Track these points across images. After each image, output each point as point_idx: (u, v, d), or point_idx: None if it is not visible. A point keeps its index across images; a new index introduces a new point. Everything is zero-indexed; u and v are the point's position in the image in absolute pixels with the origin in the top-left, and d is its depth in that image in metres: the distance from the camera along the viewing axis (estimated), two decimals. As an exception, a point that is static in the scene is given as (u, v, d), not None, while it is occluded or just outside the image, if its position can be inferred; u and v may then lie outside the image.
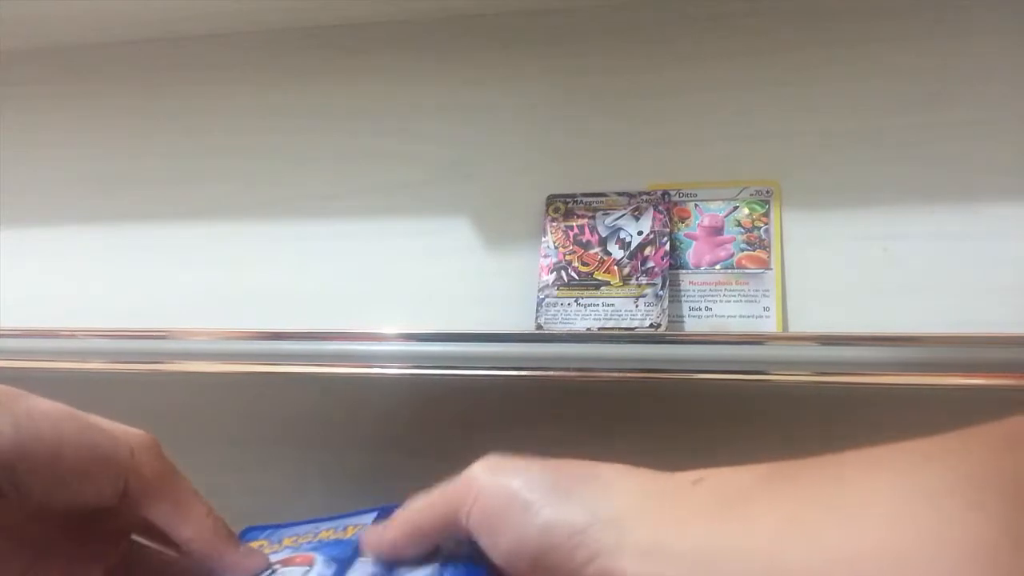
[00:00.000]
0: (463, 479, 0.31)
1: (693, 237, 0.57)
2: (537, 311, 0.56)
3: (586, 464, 0.31)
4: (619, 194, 0.58)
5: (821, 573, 0.21)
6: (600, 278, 0.56)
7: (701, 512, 0.26)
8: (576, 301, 0.56)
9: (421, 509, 0.33)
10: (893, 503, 0.21)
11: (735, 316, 0.54)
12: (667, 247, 0.56)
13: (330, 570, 0.33)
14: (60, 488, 0.30)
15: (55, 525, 0.33)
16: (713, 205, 0.57)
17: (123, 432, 0.33)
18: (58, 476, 0.30)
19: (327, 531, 0.38)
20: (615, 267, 0.56)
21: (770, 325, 0.53)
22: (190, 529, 0.34)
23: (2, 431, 0.28)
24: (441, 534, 0.33)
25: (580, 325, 0.55)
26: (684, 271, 0.56)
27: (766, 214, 0.56)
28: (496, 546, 0.30)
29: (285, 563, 0.35)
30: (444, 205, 0.61)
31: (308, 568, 0.34)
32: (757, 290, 0.54)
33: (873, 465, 0.24)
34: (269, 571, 0.35)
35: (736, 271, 0.55)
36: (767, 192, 0.56)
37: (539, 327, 0.55)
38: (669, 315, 0.54)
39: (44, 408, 0.30)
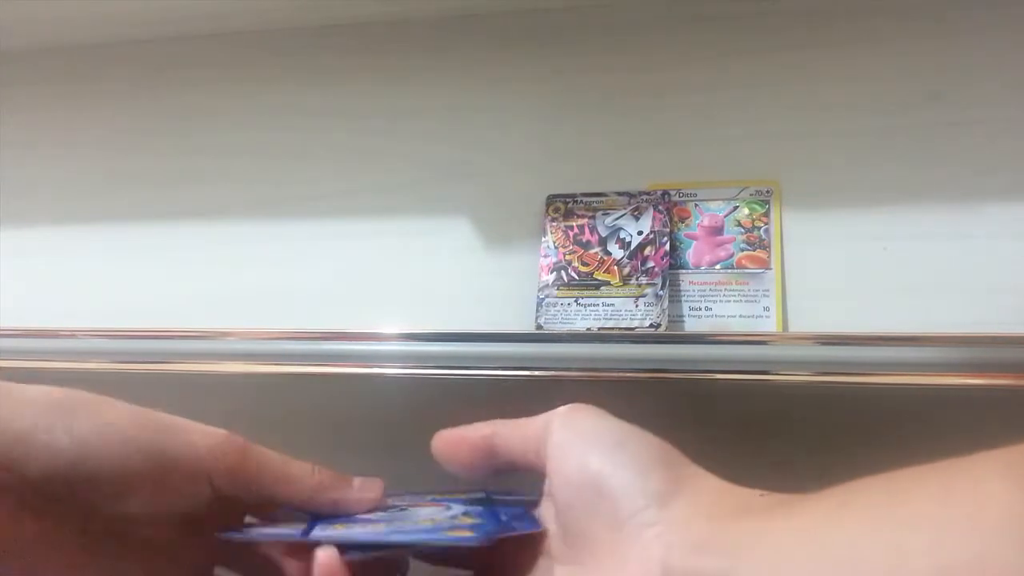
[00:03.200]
0: (549, 416, 0.34)
1: (693, 237, 0.57)
2: (537, 311, 0.56)
3: (663, 444, 0.32)
4: (619, 194, 0.58)
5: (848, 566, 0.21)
6: (600, 278, 0.56)
7: (760, 516, 0.27)
8: (576, 301, 0.56)
9: (498, 437, 0.36)
10: (946, 528, 0.21)
11: (735, 316, 0.54)
12: (667, 247, 0.56)
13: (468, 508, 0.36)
14: (131, 497, 0.30)
15: (142, 531, 0.32)
16: (713, 205, 0.57)
17: (201, 434, 0.33)
18: (126, 486, 0.30)
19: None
20: (615, 267, 0.56)
21: (770, 325, 0.53)
22: (299, 495, 0.35)
23: (59, 443, 0.28)
24: (513, 462, 0.35)
25: (580, 325, 0.55)
26: (684, 271, 0.56)
27: (766, 214, 0.56)
28: (561, 469, 0.31)
29: (411, 505, 0.37)
30: (444, 205, 0.61)
31: (446, 507, 0.36)
32: (757, 290, 0.54)
33: (938, 483, 0.24)
34: (397, 508, 0.36)
35: (736, 271, 0.55)
36: (767, 192, 0.56)
37: (539, 327, 0.55)
38: (669, 315, 0.54)
39: (113, 416, 0.30)
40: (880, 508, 0.23)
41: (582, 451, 0.31)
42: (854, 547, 0.22)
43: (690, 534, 0.27)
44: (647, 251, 0.56)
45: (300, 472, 0.35)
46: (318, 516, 0.35)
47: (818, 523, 0.24)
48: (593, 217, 0.58)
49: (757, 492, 0.29)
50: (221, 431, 0.33)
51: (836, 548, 0.23)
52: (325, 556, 0.30)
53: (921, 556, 0.21)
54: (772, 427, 0.52)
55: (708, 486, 0.30)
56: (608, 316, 0.55)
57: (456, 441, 0.37)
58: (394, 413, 0.59)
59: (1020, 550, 0.19)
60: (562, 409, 0.34)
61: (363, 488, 0.37)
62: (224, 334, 0.56)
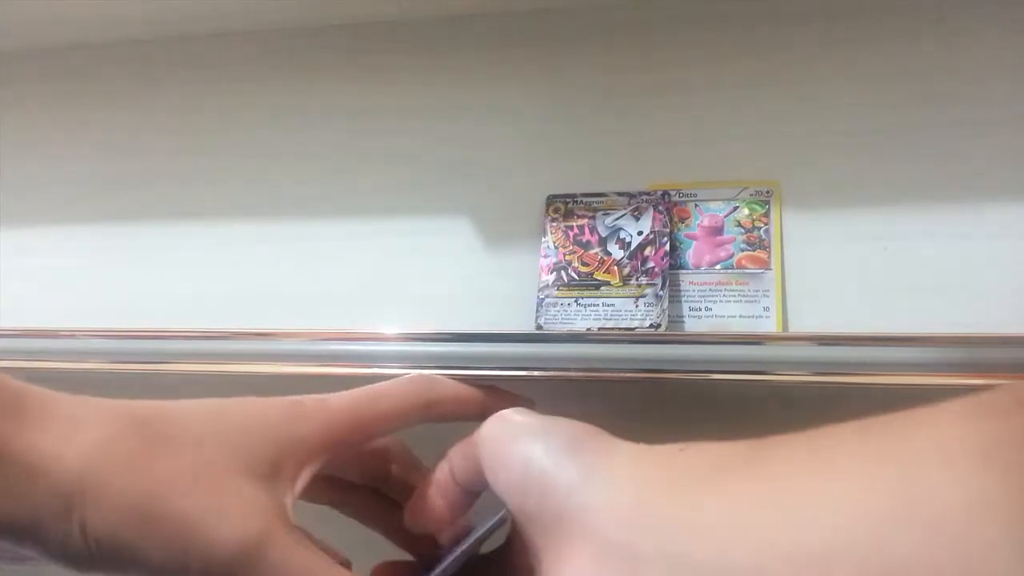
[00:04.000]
0: (476, 434, 0.34)
1: (693, 237, 0.57)
2: (537, 311, 0.56)
3: (586, 426, 0.32)
4: (619, 194, 0.58)
5: (800, 544, 0.21)
6: (600, 278, 0.56)
7: (683, 481, 0.26)
8: (576, 301, 0.56)
9: (453, 471, 0.35)
10: (871, 472, 0.21)
11: (735, 316, 0.54)
12: (667, 247, 0.56)
13: None
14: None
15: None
16: (713, 205, 0.57)
17: (224, 532, 0.28)
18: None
19: None
20: (615, 267, 0.56)
21: (770, 325, 0.53)
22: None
23: (74, 542, 0.25)
24: (477, 485, 0.35)
25: (580, 325, 0.55)
26: (684, 271, 0.56)
27: (766, 214, 0.56)
28: (496, 481, 0.31)
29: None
30: (444, 205, 0.61)
31: None
32: (757, 290, 0.54)
33: (860, 434, 0.24)
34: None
35: (736, 271, 0.55)
36: (767, 192, 0.56)
37: (539, 327, 0.55)
38: (669, 315, 0.54)
39: (125, 504, 0.26)
40: (802, 463, 0.24)
41: (508, 448, 0.31)
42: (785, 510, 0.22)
43: (620, 511, 0.27)
44: (647, 251, 0.56)
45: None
46: None
47: (745, 487, 0.24)
48: (593, 217, 0.58)
49: (676, 447, 0.29)
50: (247, 525, 0.27)
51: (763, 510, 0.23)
52: None
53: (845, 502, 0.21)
54: (772, 427, 0.52)
55: (627, 455, 0.30)
56: (608, 316, 0.55)
57: (427, 512, 0.36)
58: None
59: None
60: (490, 418, 0.35)
61: None
62: (224, 334, 0.56)
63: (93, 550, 0.25)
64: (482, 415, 0.36)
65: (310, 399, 0.35)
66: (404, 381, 0.38)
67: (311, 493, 0.33)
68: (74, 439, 0.26)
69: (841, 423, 0.25)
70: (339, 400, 0.36)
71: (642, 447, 0.30)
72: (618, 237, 0.57)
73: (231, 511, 0.27)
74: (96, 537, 0.25)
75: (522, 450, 0.30)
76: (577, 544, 0.27)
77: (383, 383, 0.38)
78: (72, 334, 0.58)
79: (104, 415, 0.28)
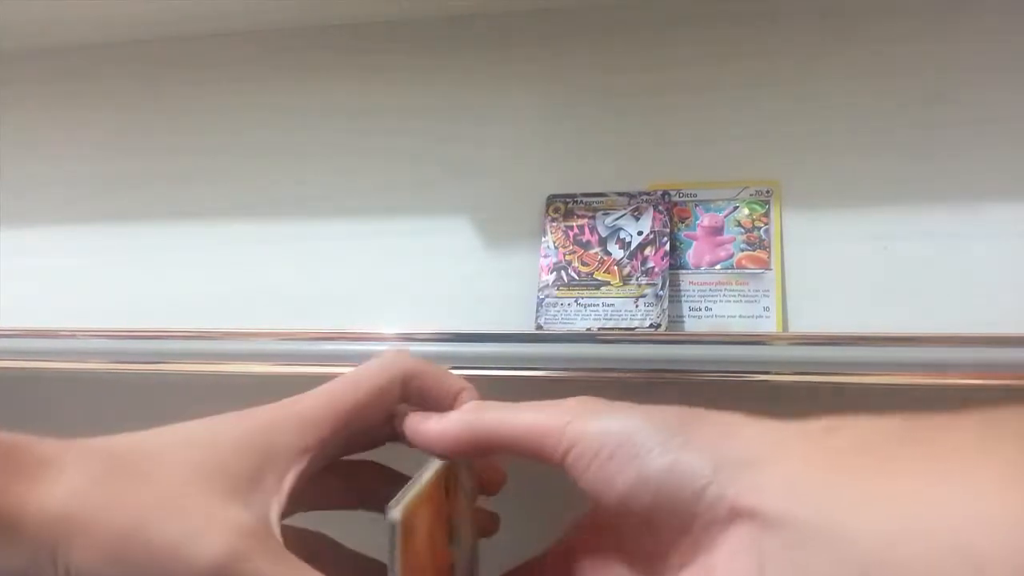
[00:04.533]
0: (555, 416, 0.31)
1: (693, 237, 0.57)
2: (537, 311, 0.56)
3: (690, 411, 0.30)
4: (619, 194, 0.58)
5: (962, 530, 0.21)
6: (600, 278, 0.56)
7: (840, 458, 0.25)
8: (576, 301, 0.56)
9: (503, 426, 0.33)
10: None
11: (735, 316, 0.54)
12: (667, 247, 0.56)
13: None
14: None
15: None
16: (713, 205, 0.57)
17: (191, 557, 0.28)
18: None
19: None
20: (615, 267, 0.56)
21: (770, 325, 0.53)
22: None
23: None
24: (518, 454, 0.32)
25: (580, 325, 0.55)
26: (684, 271, 0.56)
27: (766, 214, 0.56)
28: (609, 490, 0.29)
29: None
30: (444, 205, 0.61)
31: None
32: (757, 290, 0.54)
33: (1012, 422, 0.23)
34: None
35: (736, 271, 0.55)
36: (767, 192, 0.56)
37: (539, 327, 0.55)
38: (669, 315, 0.54)
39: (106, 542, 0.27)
40: (968, 455, 0.23)
41: (613, 455, 0.29)
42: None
43: (774, 488, 0.25)
44: (647, 251, 0.56)
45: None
46: None
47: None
48: (593, 217, 0.58)
49: (818, 424, 0.28)
50: (217, 544, 0.27)
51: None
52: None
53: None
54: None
55: (756, 435, 0.28)
56: (608, 316, 0.55)
57: (438, 431, 0.34)
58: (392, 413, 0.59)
59: None
60: (575, 407, 0.32)
61: None
62: (224, 334, 0.56)
63: None
64: (460, 388, 0.37)
65: (286, 402, 0.34)
66: (377, 361, 0.37)
67: (305, 500, 0.33)
68: (55, 487, 0.26)
69: (1007, 406, 0.24)
70: (315, 397, 0.35)
71: (764, 425, 0.29)
72: (618, 237, 0.57)
73: (204, 533, 0.27)
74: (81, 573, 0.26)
75: (630, 458, 0.28)
76: (729, 534, 0.26)
77: (358, 368, 0.37)
78: (72, 334, 0.59)
79: (81, 457, 0.28)
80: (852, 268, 0.53)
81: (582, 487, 0.30)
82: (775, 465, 0.26)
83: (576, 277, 0.57)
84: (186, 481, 0.28)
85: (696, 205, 0.57)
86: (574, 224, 0.58)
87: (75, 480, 0.27)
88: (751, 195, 0.56)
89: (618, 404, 0.31)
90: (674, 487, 0.27)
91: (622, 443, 0.28)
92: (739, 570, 0.25)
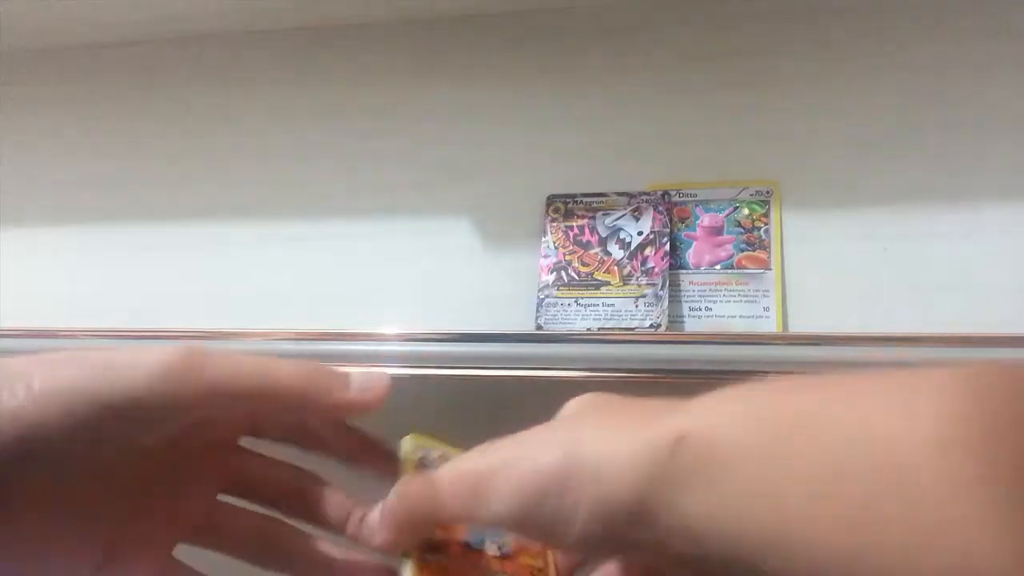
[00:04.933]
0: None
1: (693, 237, 0.57)
2: (537, 311, 0.56)
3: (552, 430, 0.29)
4: (619, 194, 0.58)
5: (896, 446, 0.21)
6: (600, 278, 0.56)
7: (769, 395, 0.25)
8: (576, 301, 0.56)
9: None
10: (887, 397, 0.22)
11: (735, 316, 0.54)
12: (667, 247, 0.56)
13: None
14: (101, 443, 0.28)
15: (152, 465, 0.30)
16: (713, 205, 0.57)
17: (147, 356, 0.28)
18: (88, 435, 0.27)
19: None
20: (615, 267, 0.56)
21: (770, 325, 0.53)
22: (288, 393, 0.30)
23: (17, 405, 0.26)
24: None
25: (580, 325, 0.55)
26: (684, 271, 0.56)
27: (766, 214, 0.56)
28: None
29: None
30: (444, 205, 0.61)
31: None
32: (757, 290, 0.54)
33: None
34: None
35: (736, 271, 0.55)
36: (767, 192, 0.56)
37: (539, 327, 0.56)
38: (669, 315, 0.54)
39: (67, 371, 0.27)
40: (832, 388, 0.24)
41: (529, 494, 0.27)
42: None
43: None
44: (647, 251, 0.56)
45: (283, 368, 0.30)
46: None
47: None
48: (593, 217, 0.58)
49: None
50: (166, 352, 0.28)
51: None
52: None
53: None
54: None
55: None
56: (608, 316, 0.55)
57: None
58: (394, 414, 0.59)
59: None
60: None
61: (366, 384, 0.32)
62: (224, 334, 0.56)
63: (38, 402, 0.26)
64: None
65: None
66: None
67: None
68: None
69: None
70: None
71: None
72: (618, 237, 0.57)
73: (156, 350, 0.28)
74: (40, 390, 0.26)
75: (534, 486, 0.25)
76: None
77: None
78: (72, 334, 0.59)
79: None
80: (852, 268, 0.53)
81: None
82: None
83: (576, 277, 0.57)
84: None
85: (696, 205, 0.57)
86: (574, 224, 0.58)
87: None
88: (751, 195, 0.56)
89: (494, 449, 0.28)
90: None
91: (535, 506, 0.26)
92: None
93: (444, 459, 0.33)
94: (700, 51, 0.59)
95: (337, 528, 0.32)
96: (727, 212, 0.57)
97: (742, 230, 0.56)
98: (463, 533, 0.32)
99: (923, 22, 0.56)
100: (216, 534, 0.32)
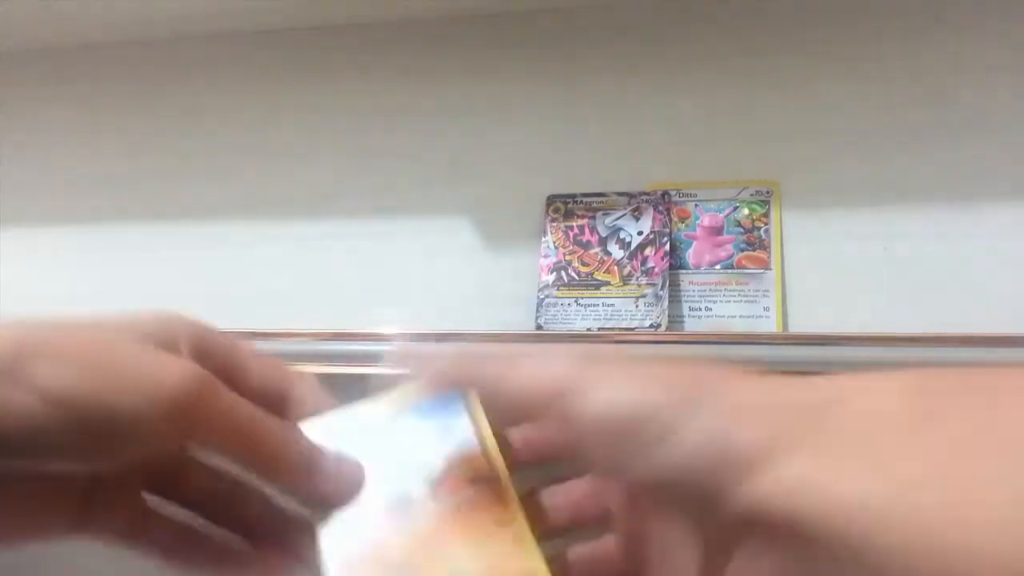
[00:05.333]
0: (555, 376, 0.26)
1: (693, 237, 0.57)
2: (537, 311, 0.56)
3: (708, 378, 0.26)
4: (619, 194, 0.58)
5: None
6: (600, 278, 0.56)
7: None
8: (576, 301, 0.56)
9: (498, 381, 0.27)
10: None
11: (735, 316, 0.54)
12: (667, 247, 0.56)
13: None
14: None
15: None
16: (713, 205, 0.57)
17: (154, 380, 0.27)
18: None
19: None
20: (615, 267, 0.56)
21: (770, 325, 0.53)
22: (280, 463, 0.28)
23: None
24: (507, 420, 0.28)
25: (580, 325, 0.55)
26: (684, 271, 0.56)
27: (766, 214, 0.56)
28: (619, 475, 0.25)
29: None
30: (444, 205, 0.61)
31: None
32: (757, 290, 0.54)
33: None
34: None
35: (736, 271, 0.55)
36: (767, 192, 0.56)
37: (539, 327, 0.55)
38: (669, 315, 0.54)
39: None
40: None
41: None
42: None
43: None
44: (647, 251, 0.56)
45: (283, 434, 0.29)
46: None
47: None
48: (593, 217, 0.58)
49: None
50: (183, 367, 0.26)
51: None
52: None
53: None
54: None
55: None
56: (608, 316, 0.55)
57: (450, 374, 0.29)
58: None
59: None
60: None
61: (342, 471, 0.30)
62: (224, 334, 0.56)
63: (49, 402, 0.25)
64: (292, 382, 0.32)
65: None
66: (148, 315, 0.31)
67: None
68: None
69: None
70: None
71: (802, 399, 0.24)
72: (618, 237, 0.57)
73: (169, 362, 0.27)
74: (48, 387, 0.25)
75: (645, 440, 0.24)
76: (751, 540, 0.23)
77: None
78: (72, 334, 0.58)
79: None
80: (852, 268, 0.53)
81: (588, 466, 0.27)
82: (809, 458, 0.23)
83: (576, 277, 0.57)
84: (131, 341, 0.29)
85: (696, 205, 0.57)
86: (574, 224, 0.58)
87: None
88: (751, 195, 0.56)
89: (629, 366, 0.26)
90: (693, 482, 0.23)
91: (636, 421, 0.24)
92: None
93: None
94: (700, 51, 0.59)
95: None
96: (727, 212, 0.57)
97: (742, 230, 0.56)
98: (380, 492, 0.29)
99: (923, 23, 0.56)
100: (185, 485, 0.31)
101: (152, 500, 0.31)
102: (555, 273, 0.57)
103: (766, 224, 0.56)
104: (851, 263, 0.53)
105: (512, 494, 0.28)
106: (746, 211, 0.56)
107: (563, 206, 0.59)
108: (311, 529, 0.29)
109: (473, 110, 0.63)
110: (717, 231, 0.56)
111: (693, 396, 0.25)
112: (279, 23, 0.67)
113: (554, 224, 0.59)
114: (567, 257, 0.57)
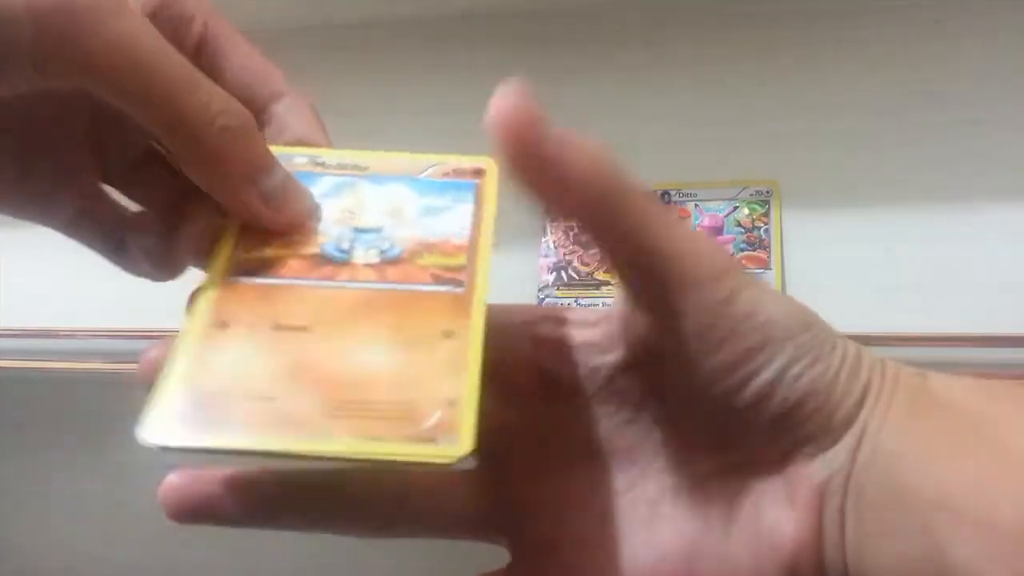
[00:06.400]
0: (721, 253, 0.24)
1: (693, 237, 0.57)
2: (537, 311, 0.56)
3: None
4: (619, 194, 0.58)
5: None
6: (600, 278, 0.56)
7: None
8: (576, 301, 0.56)
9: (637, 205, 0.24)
10: None
11: (735, 316, 0.54)
12: (667, 247, 0.56)
13: None
14: None
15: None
16: (713, 205, 0.57)
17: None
18: None
19: None
20: (615, 267, 0.56)
21: (770, 325, 0.53)
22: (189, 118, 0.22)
23: None
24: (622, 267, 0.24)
25: (580, 325, 0.55)
26: (684, 271, 0.56)
27: (766, 214, 0.56)
28: (739, 378, 0.22)
29: None
30: (444, 205, 0.61)
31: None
32: (757, 290, 0.54)
33: None
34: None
35: (736, 271, 0.55)
36: (767, 192, 0.56)
37: (539, 327, 0.55)
38: (669, 315, 0.54)
39: None
40: None
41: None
42: None
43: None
44: (647, 251, 0.56)
45: (210, 95, 0.22)
46: None
47: None
48: (593, 217, 0.58)
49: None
50: None
51: None
52: None
53: None
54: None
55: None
56: (608, 316, 0.55)
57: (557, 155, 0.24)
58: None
59: None
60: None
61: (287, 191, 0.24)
62: (224, 334, 0.56)
63: None
64: (281, 89, 0.27)
65: None
66: None
67: None
68: None
69: None
70: None
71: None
72: (618, 237, 0.57)
73: None
74: None
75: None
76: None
77: None
78: (72, 334, 0.59)
79: None
80: (852, 268, 0.53)
81: (689, 359, 0.23)
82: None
83: (576, 277, 0.57)
84: None
85: (696, 205, 0.57)
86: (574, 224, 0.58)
87: None
88: (751, 195, 0.57)
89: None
90: (812, 405, 0.22)
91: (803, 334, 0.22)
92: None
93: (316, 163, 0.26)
94: (700, 51, 0.59)
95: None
96: (727, 212, 0.57)
97: (742, 230, 0.56)
98: (313, 241, 0.24)
99: (924, 22, 0.56)
100: (145, 182, 0.27)
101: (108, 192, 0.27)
102: (555, 273, 0.57)
103: (766, 224, 0.56)
104: (851, 263, 0.53)
105: (477, 306, 0.23)
106: (746, 211, 0.56)
107: (563, 206, 0.59)
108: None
109: (472, 110, 0.63)
110: (717, 231, 0.56)
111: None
112: (278, 22, 0.67)
113: (554, 224, 0.59)
114: (567, 257, 0.57)
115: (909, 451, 0.22)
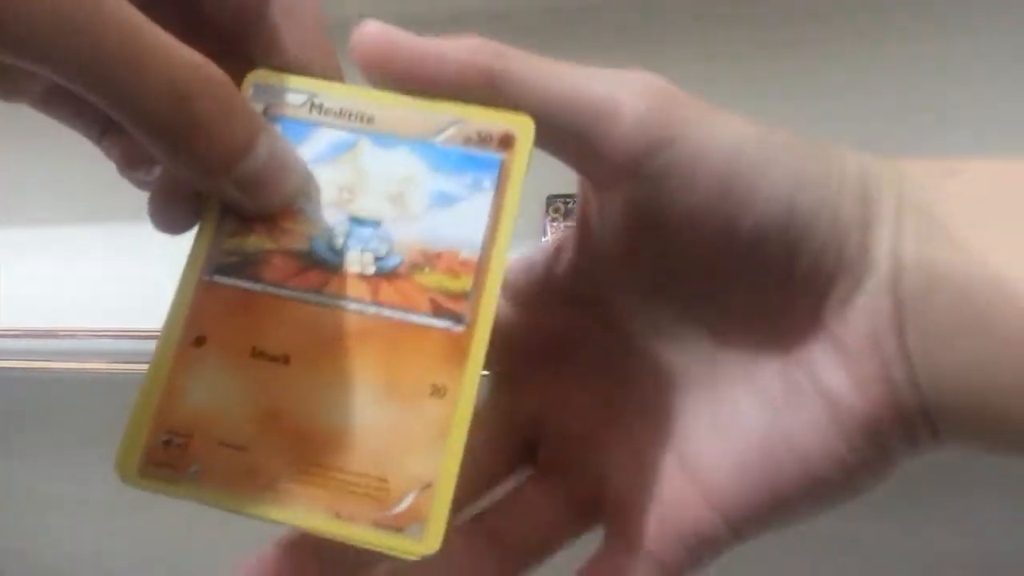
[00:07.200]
0: (621, 89, 0.21)
1: (693, 237, 0.57)
2: (537, 311, 0.56)
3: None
4: (619, 194, 0.58)
5: None
6: (600, 278, 0.56)
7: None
8: (576, 301, 0.56)
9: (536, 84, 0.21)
10: None
11: (735, 316, 0.54)
12: (667, 247, 0.56)
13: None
14: None
15: None
16: (713, 205, 0.57)
17: None
18: None
19: None
20: (615, 267, 0.56)
21: (770, 325, 0.53)
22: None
23: None
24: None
25: (580, 325, 0.55)
26: (684, 271, 0.56)
27: (766, 214, 0.56)
28: (713, 223, 0.20)
29: None
30: (444, 205, 0.61)
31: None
32: (757, 290, 0.54)
33: None
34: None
35: (736, 271, 0.55)
36: (767, 192, 0.56)
37: (539, 327, 0.55)
38: (669, 315, 0.54)
39: None
40: None
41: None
42: None
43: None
44: (647, 251, 0.56)
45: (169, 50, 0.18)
46: None
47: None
48: (593, 217, 0.58)
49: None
50: None
51: None
52: None
53: None
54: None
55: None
56: (608, 316, 0.55)
57: (435, 61, 0.22)
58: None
59: None
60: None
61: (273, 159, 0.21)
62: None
63: None
64: None
65: None
66: None
67: None
68: None
69: None
70: None
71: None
72: (618, 237, 0.57)
73: None
74: None
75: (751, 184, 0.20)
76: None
77: None
78: (72, 334, 0.59)
79: None
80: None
81: (656, 211, 0.21)
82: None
83: (576, 277, 0.57)
84: None
85: (696, 205, 0.57)
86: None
87: None
88: (751, 195, 0.57)
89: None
90: (801, 232, 0.20)
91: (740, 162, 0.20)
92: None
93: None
94: (699, 50, 0.59)
95: None
96: (727, 212, 0.57)
97: (742, 230, 0.56)
98: (302, 231, 0.22)
99: (924, 22, 0.56)
100: None
101: None
102: (555, 273, 0.57)
103: (766, 224, 0.56)
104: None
105: (474, 356, 0.20)
106: (746, 211, 0.56)
107: (563, 206, 0.59)
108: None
109: (473, 110, 0.63)
110: (717, 231, 0.56)
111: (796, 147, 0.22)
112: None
113: (554, 224, 0.59)
114: (567, 257, 0.57)
115: (958, 258, 0.19)
